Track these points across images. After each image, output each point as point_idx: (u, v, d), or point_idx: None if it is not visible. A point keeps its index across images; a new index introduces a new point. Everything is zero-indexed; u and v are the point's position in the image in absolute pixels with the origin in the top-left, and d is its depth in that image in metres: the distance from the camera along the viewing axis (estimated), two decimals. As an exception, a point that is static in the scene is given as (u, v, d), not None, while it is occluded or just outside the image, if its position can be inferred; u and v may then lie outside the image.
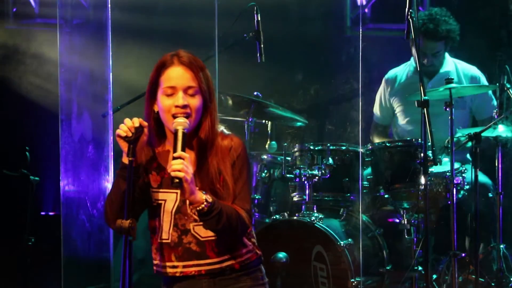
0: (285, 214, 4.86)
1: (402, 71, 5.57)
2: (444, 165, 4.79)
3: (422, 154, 3.81)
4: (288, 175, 4.94)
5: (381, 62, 6.15)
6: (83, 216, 4.91)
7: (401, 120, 5.52)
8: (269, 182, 5.11)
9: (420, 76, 3.87)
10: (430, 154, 3.94)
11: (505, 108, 4.75)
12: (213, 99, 2.94)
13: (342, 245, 4.54)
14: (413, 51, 5.32)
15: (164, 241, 2.92)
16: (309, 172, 4.78)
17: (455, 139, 4.90)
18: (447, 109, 4.50)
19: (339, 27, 6.53)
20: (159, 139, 2.96)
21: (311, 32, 6.44)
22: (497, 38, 6.18)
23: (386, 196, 4.92)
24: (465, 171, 4.79)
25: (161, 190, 2.92)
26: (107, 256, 4.86)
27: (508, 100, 4.77)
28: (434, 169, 4.57)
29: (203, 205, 2.75)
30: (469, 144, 4.67)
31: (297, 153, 4.99)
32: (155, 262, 2.97)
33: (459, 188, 4.66)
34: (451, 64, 5.41)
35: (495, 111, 4.79)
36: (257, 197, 4.98)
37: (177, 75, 2.88)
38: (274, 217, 4.83)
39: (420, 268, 4.66)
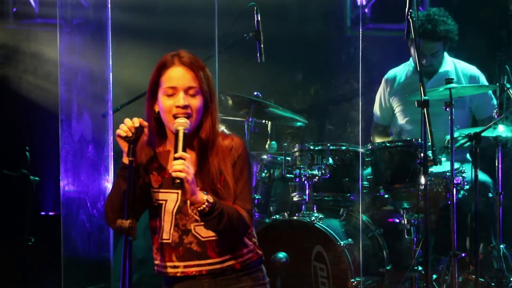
0: (285, 214, 4.86)
1: (401, 71, 5.57)
2: (443, 165, 4.79)
3: (422, 154, 3.81)
4: (288, 175, 4.94)
5: (381, 62, 6.15)
6: (83, 216, 4.91)
7: (401, 120, 5.52)
8: (269, 182, 5.11)
9: (420, 76, 3.88)
10: (430, 154, 3.94)
11: (505, 108, 4.75)
12: (214, 99, 2.94)
13: (342, 245, 4.54)
14: (412, 51, 5.33)
15: (165, 241, 2.92)
16: (309, 172, 4.78)
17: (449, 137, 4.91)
18: (447, 109, 4.50)
19: (339, 27, 6.53)
20: (159, 139, 2.96)
21: (311, 32, 6.44)
22: (497, 38, 6.18)
23: (386, 196, 4.91)
24: (465, 171, 4.79)
25: (162, 190, 2.92)
26: (107, 256, 4.87)
27: (508, 100, 4.77)
28: (434, 169, 4.57)
29: (204, 206, 2.75)
30: (467, 143, 4.68)
31: (297, 153, 4.99)
32: (156, 262, 2.97)
33: (459, 188, 4.66)
34: (450, 64, 5.41)
35: (495, 110, 4.79)
36: (257, 197, 4.98)
37: (178, 75, 2.88)
38: (274, 217, 4.83)
39: (420, 268, 4.66)
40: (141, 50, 5.91)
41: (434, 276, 4.77)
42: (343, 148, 4.93)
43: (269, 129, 5.41)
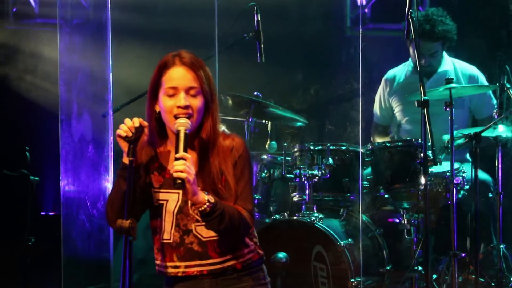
0: (285, 214, 4.86)
1: (400, 71, 5.57)
2: (443, 165, 4.79)
3: (422, 154, 3.81)
4: (288, 175, 4.94)
5: (381, 62, 6.15)
6: (83, 216, 4.91)
7: (400, 120, 5.52)
8: (269, 182, 5.11)
9: (420, 76, 3.88)
10: (430, 154, 3.94)
11: (505, 108, 4.74)
12: (215, 99, 2.94)
13: (342, 245, 4.54)
14: (410, 51, 5.34)
15: (166, 241, 2.92)
16: (309, 172, 4.78)
17: (447, 138, 4.91)
18: (447, 109, 4.50)
19: (339, 27, 6.53)
20: (160, 139, 2.96)
21: (311, 32, 6.44)
22: (497, 38, 6.18)
23: (386, 196, 4.91)
24: (465, 171, 4.79)
25: (163, 190, 2.92)
26: (107, 256, 4.86)
27: (508, 100, 4.77)
28: (434, 169, 4.57)
29: (205, 206, 2.75)
30: (461, 142, 4.68)
31: (297, 153, 4.99)
32: (157, 262, 2.97)
33: (459, 188, 4.66)
34: (449, 64, 5.41)
35: (495, 110, 4.79)
36: (257, 197, 4.98)
37: (178, 75, 2.88)
38: (274, 217, 4.83)
39: (420, 268, 4.66)
40: (141, 50, 5.91)
41: (434, 276, 4.77)
42: (343, 148, 4.93)
43: (269, 129, 5.41)
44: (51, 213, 5.94)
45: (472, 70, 5.42)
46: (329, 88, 6.68)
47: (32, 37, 6.06)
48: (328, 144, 4.91)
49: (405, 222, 4.83)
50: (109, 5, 4.83)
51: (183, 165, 2.70)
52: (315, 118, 6.61)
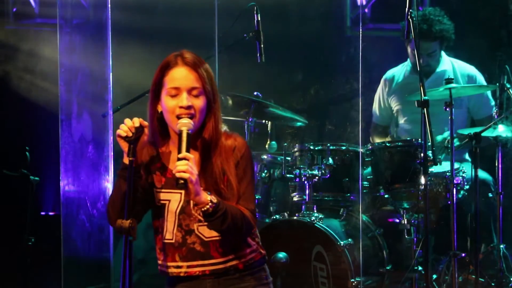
0: (285, 214, 4.86)
1: (399, 71, 5.57)
2: (443, 165, 4.79)
3: (422, 154, 3.81)
4: (288, 175, 4.94)
5: (381, 62, 6.15)
6: (83, 216, 4.90)
7: (400, 120, 5.52)
8: (269, 182, 5.11)
9: (420, 76, 3.88)
10: (430, 154, 3.94)
11: (505, 108, 4.75)
12: (217, 99, 2.94)
13: (342, 245, 4.54)
14: (408, 50, 5.34)
15: (168, 241, 2.92)
16: (309, 172, 4.78)
17: (441, 139, 4.91)
18: (447, 109, 4.50)
19: (339, 27, 6.53)
20: (162, 139, 2.96)
21: (311, 32, 6.44)
22: (497, 38, 6.19)
23: (386, 196, 4.92)
24: (465, 171, 4.79)
25: (165, 190, 2.92)
26: (107, 256, 4.86)
27: (508, 100, 4.77)
28: (434, 169, 4.57)
29: (208, 206, 2.75)
30: (456, 143, 4.69)
31: (297, 153, 4.99)
32: (159, 262, 2.97)
33: (459, 188, 4.66)
34: (448, 63, 5.41)
35: (496, 110, 4.79)
36: (257, 197, 4.98)
37: (181, 76, 2.88)
38: (274, 217, 4.83)
39: (420, 268, 4.66)
40: (141, 50, 5.91)
41: (434, 276, 4.77)
42: (343, 148, 4.93)
43: (269, 129, 5.41)
44: (51, 213, 5.94)
45: (471, 70, 5.42)
46: (329, 88, 6.68)
47: (32, 37, 6.06)
48: (328, 144, 4.91)
49: (405, 222, 4.83)
50: (109, 5, 4.83)
51: (185, 165, 2.70)
52: (315, 118, 6.61)
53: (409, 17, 3.91)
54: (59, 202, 4.93)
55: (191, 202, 2.85)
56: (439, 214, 4.97)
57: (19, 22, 6.16)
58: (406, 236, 4.84)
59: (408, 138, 5.15)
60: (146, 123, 2.85)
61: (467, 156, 5.42)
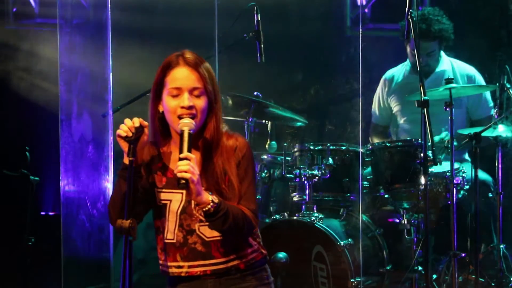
0: (285, 214, 4.86)
1: (399, 71, 5.57)
2: (443, 165, 4.79)
3: (422, 154, 3.81)
4: (288, 175, 4.94)
5: (381, 62, 6.15)
6: (83, 216, 4.90)
7: (399, 120, 5.52)
8: (269, 182, 5.11)
9: (420, 76, 3.87)
10: (430, 154, 3.94)
11: (505, 108, 4.75)
12: (218, 99, 2.94)
13: (342, 245, 4.54)
14: (408, 50, 5.35)
15: (169, 241, 2.92)
16: (309, 172, 4.78)
17: (438, 139, 4.91)
18: (447, 109, 4.50)
19: (339, 27, 6.53)
20: (163, 139, 2.97)
21: (311, 32, 6.44)
22: (497, 38, 6.19)
23: (386, 196, 4.92)
24: (465, 171, 4.79)
25: (166, 190, 2.93)
26: (107, 256, 4.86)
27: (508, 100, 4.77)
28: (434, 169, 4.57)
29: (209, 206, 2.75)
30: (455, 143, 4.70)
31: (297, 153, 4.99)
32: (160, 262, 2.97)
33: (459, 188, 4.66)
34: (447, 63, 5.41)
35: (495, 110, 4.79)
36: (257, 197, 4.97)
37: (182, 76, 2.88)
38: (274, 217, 4.83)
39: (420, 268, 4.66)
40: (141, 50, 5.91)
41: (434, 276, 4.77)
42: (343, 148, 4.93)
43: (269, 129, 5.41)
44: (51, 213, 5.94)
45: (470, 70, 5.42)
46: (329, 88, 6.68)
47: (32, 37, 6.06)
48: (328, 144, 4.91)
49: (405, 222, 4.83)
50: (109, 5, 4.83)
51: (187, 165, 2.70)
52: (315, 118, 6.61)
53: (409, 17, 3.91)
54: (59, 202, 4.93)
55: (193, 202, 2.85)
56: (439, 214, 4.97)
57: (19, 22, 6.16)
58: (406, 236, 4.84)
59: (408, 138, 5.15)
60: (146, 123, 2.85)
61: (466, 156, 5.42)
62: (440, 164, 4.70)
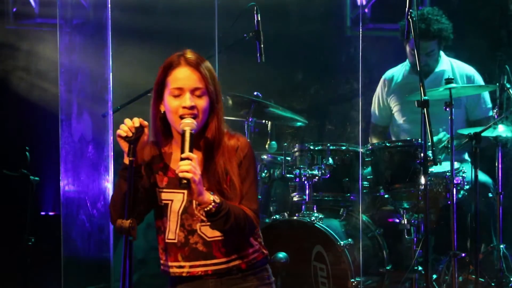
0: (285, 214, 4.86)
1: (398, 71, 5.57)
2: (443, 165, 4.79)
3: (422, 154, 3.81)
4: (288, 175, 4.94)
5: (381, 62, 6.15)
6: (83, 216, 4.90)
7: (398, 120, 5.52)
8: (269, 182, 5.11)
9: (420, 76, 3.87)
10: (430, 154, 3.94)
11: (505, 108, 4.75)
12: (220, 99, 2.95)
13: (342, 245, 4.54)
14: (407, 50, 5.35)
15: (170, 241, 2.92)
16: (309, 172, 4.78)
17: (435, 140, 4.91)
18: (447, 109, 4.49)
19: (339, 27, 6.54)
20: (165, 139, 2.97)
21: (311, 32, 6.44)
22: (497, 38, 6.19)
23: (386, 196, 4.92)
24: (465, 171, 4.79)
25: (168, 190, 2.93)
26: (107, 256, 4.86)
27: (508, 100, 4.77)
28: (434, 169, 4.57)
29: (210, 206, 2.76)
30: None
31: (297, 153, 4.99)
32: (161, 261, 2.97)
33: (459, 188, 4.66)
34: (446, 63, 5.41)
35: (495, 110, 4.79)
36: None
37: (184, 76, 2.88)
38: (274, 217, 4.83)
39: (420, 268, 4.66)
40: (141, 50, 5.91)
41: (434, 276, 4.77)
42: (343, 148, 4.93)
43: (269, 129, 5.41)
44: (51, 213, 5.94)
45: (469, 70, 5.42)
46: (329, 88, 6.67)
47: (32, 37, 6.06)
48: (328, 144, 4.90)
49: (405, 222, 4.83)
50: (109, 5, 4.83)
51: (189, 165, 2.70)
52: (315, 118, 6.61)
53: (409, 17, 3.91)
54: (59, 202, 4.93)
55: (194, 202, 2.86)
56: (439, 214, 4.97)
57: (19, 22, 6.16)
58: (406, 236, 4.83)
59: (408, 138, 5.15)
60: (146, 123, 2.85)
61: (466, 157, 5.42)
62: (440, 164, 4.70)
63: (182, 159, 2.73)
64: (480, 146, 4.57)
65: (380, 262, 4.88)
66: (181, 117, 2.85)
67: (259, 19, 4.82)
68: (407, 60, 5.50)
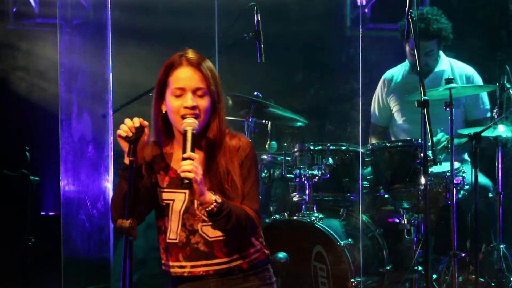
0: (285, 214, 4.86)
1: (398, 71, 5.57)
2: (443, 165, 4.79)
3: (422, 154, 3.81)
4: (288, 175, 4.94)
5: (381, 62, 6.15)
6: (83, 216, 4.90)
7: (398, 120, 5.52)
8: (269, 182, 5.11)
9: (420, 76, 3.88)
10: (430, 154, 3.94)
11: (505, 108, 4.74)
12: (221, 99, 2.95)
13: (342, 245, 4.54)
14: (407, 50, 5.35)
15: (172, 241, 2.92)
16: (309, 172, 4.78)
17: (434, 140, 4.91)
18: (447, 109, 4.49)
19: (339, 27, 6.54)
20: (166, 138, 2.97)
21: (311, 32, 6.44)
22: (497, 38, 6.18)
23: (386, 196, 4.92)
24: (465, 171, 4.79)
25: (169, 190, 2.93)
26: (107, 256, 4.86)
27: (508, 100, 4.77)
28: (434, 169, 4.57)
29: (212, 206, 2.76)
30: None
31: (297, 153, 4.99)
32: (162, 261, 2.97)
33: (459, 188, 4.66)
34: (446, 63, 5.41)
35: (495, 111, 4.78)
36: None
37: (186, 76, 2.88)
38: (274, 217, 4.83)
39: (420, 268, 4.66)
40: (141, 50, 5.91)
41: (434, 276, 4.77)
42: (343, 148, 4.93)
43: (269, 129, 5.41)
44: (51, 213, 5.94)
45: (468, 70, 5.42)
46: (329, 88, 6.67)
47: (32, 37, 6.06)
48: (328, 144, 4.91)
49: (405, 222, 4.83)
50: (109, 5, 4.83)
51: (190, 165, 2.70)
52: (315, 118, 6.61)
53: (409, 17, 3.91)
54: (59, 202, 4.92)
55: (195, 202, 2.86)
56: (439, 214, 4.97)
57: (19, 22, 6.17)
58: (406, 236, 4.84)
59: (408, 138, 5.15)
60: (146, 123, 2.85)
61: (466, 157, 5.42)
62: (440, 164, 4.70)
63: (184, 158, 2.73)
64: (480, 146, 4.57)
65: (380, 262, 4.88)
66: (183, 117, 2.85)
67: (259, 19, 4.82)
68: (406, 60, 5.50)
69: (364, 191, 4.97)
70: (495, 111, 4.79)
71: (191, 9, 5.96)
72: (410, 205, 4.86)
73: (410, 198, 4.83)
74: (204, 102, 2.88)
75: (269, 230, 4.64)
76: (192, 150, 2.76)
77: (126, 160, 2.80)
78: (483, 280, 4.72)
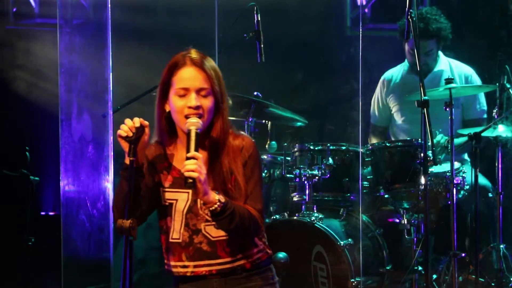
0: (285, 214, 4.86)
1: (397, 71, 5.58)
2: (443, 165, 4.79)
3: (422, 154, 3.81)
4: (288, 175, 4.94)
5: (381, 62, 6.14)
6: (83, 216, 4.90)
7: (398, 120, 5.52)
8: (269, 182, 5.11)
9: (420, 76, 3.88)
10: (430, 154, 3.94)
11: (505, 108, 4.74)
12: (225, 99, 2.96)
13: (342, 245, 4.54)
14: (406, 50, 5.35)
15: (175, 240, 2.92)
16: (309, 172, 4.78)
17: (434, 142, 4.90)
18: (447, 109, 4.49)
19: (339, 27, 6.54)
20: (170, 138, 2.97)
21: (311, 32, 6.44)
22: (497, 38, 6.19)
23: (386, 196, 4.92)
24: (465, 171, 4.79)
25: (172, 189, 2.93)
26: (107, 256, 4.86)
27: (508, 100, 4.77)
28: (434, 169, 4.57)
29: (216, 206, 2.76)
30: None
31: (297, 153, 4.99)
32: (165, 261, 2.97)
33: (459, 188, 4.66)
34: (445, 63, 5.41)
35: (495, 110, 4.78)
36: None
37: (189, 76, 2.89)
38: (274, 217, 4.83)
39: (420, 268, 4.66)
40: (141, 50, 5.91)
41: (434, 276, 4.77)
42: (343, 148, 4.93)
43: (269, 129, 5.41)
44: (51, 213, 5.94)
45: (467, 69, 5.42)
46: (329, 88, 6.67)
47: (32, 37, 6.06)
48: (328, 144, 4.91)
49: (405, 222, 4.83)
50: (109, 5, 4.83)
51: (194, 164, 2.70)
52: (315, 118, 6.61)
53: (409, 17, 3.91)
54: (59, 202, 4.92)
55: (198, 201, 2.86)
56: (439, 214, 4.97)
57: (19, 22, 6.16)
58: (406, 236, 4.84)
59: (408, 138, 5.15)
60: (146, 123, 2.85)
61: (466, 157, 5.42)
62: (440, 164, 4.70)
63: (187, 158, 2.73)
64: (480, 146, 4.57)
65: (380, 262, 4.88)
66: (187, 117, 2.85)
67: (259, 19, 4.82)
68: (405, 60, 5.50)
69: (364, 191, 4.97)
70: (495, 111, 4.79)
71: (191, 9, 5.96)
72: (410, 205, 4.86)
73: (410, 198, 4.83)
74: (207, 102, 2.88)
75: (269, 230, 4.59)
76: (196, 150, 2.77)
77: (127, 160, 2.81)
78: (483, 280, 4.72)
